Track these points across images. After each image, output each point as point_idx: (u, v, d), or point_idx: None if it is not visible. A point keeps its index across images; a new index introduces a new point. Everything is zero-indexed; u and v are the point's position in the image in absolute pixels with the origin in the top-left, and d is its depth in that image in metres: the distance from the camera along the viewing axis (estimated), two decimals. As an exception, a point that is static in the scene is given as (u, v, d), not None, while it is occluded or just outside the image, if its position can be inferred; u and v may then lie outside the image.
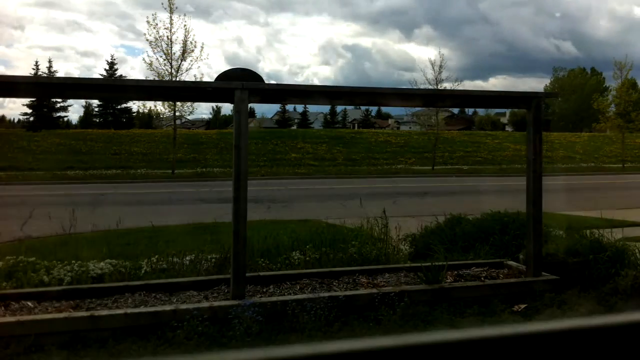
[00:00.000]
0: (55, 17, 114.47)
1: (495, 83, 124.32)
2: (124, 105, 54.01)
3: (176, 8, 25.86)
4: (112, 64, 55.11)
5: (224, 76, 6.16)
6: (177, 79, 24.51)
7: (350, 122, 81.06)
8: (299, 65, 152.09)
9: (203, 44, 35.22)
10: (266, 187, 19.52)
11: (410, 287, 5.61)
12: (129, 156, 32.76)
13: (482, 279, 6.07)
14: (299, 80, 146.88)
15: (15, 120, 65.25)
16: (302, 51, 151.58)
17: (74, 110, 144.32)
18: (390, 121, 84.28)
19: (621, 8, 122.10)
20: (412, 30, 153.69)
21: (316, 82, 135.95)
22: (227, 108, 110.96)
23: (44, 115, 48.18)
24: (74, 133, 40.70)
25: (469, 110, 78.49)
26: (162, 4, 25.79)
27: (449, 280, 5.88)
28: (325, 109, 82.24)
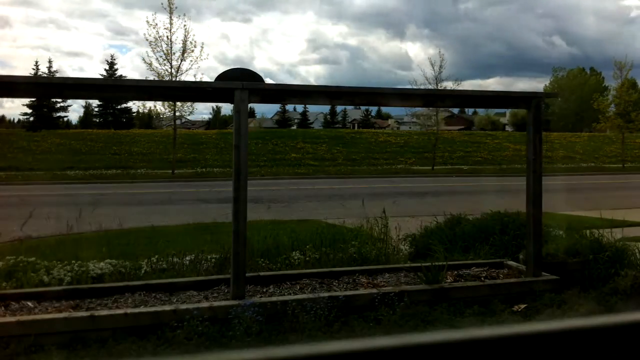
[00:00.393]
0: (34, 16, 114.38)
1: (492, 82, 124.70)
2: (124, 105, 54.01)
3: (176, 8, 25.89)
4: (112, 64, 55.15)
5: (223, 76, 6.16)
6: (177, 79, 24.51)
7: (350, 122, 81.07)
8: (285, 63, 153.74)
9: (203, 43, 35.21)
10: (266, 187, 19.52)
11: (410, 287, 5.61)
12: (129, 156, 32.77)
13: (482, 279, 6.07)
14: (287, 77, 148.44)
15: (15, 120, 65.31)
16: (289, 50, 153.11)
17: (74, 110, 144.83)
18: (390, 121, 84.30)
19: (611, 5, 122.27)
20: (399, 28, 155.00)
21: (311, 80, 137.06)
22: (227, 108, 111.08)
23: (44, 115, 48.16)
24: (74, 133, 40.71)
25: (469, 110, 78.56)
26: (162, 4, 25.79)
27: (449, 280, 5.88)
28: (325, 109, 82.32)
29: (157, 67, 25.57)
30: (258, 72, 6.36)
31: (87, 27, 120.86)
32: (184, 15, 33.44)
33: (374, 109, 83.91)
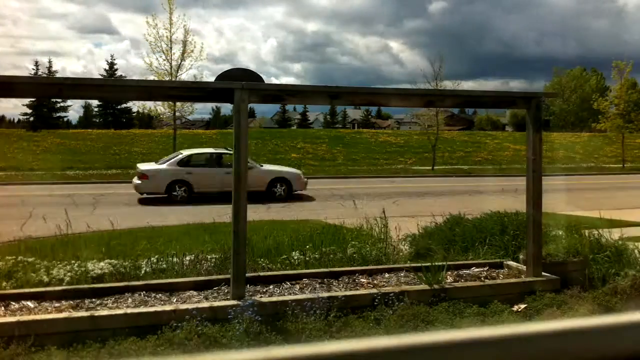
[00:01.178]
0: None
1: (478, 84, 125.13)
2: (124, 105, 54.05)
3: (175, 8, 25.85)
4: (111, 64, 55.19)
5: (223, 76, 6.16)
6: (177, 79, 24.48)
7: (350, 122, 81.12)
8: (263, 60, 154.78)
9: (202, 43, 35.33)
10: (266, 187, 19.47)
11: (410, 287, 5.61)
12: (129, 156, 32.77)
13: (482, 279, 6.07)
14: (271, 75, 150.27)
15: (15, 120, 65.31)
16: (265, 47, 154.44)
17: (74, 110, 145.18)
18: (390, 121, 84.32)
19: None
20: (373, 26, 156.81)
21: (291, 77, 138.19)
22: (227, 108, 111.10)
23: (44, 115, 48.20)
24: (74, 133, 40.72)
25: (469, 110, 78.62)
26: (161, 4, 25.77)
27: (449, 280, 5.88)
28: (325, 109, 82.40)
29: (156, 67, 25.52)
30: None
31: (53, 26, 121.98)
32: (184, 15, 33.40)
33: (374, 109, 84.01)
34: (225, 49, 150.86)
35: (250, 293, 5.38)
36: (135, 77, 57.23)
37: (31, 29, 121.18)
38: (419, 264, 6.08)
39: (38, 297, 5.14)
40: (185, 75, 25.86)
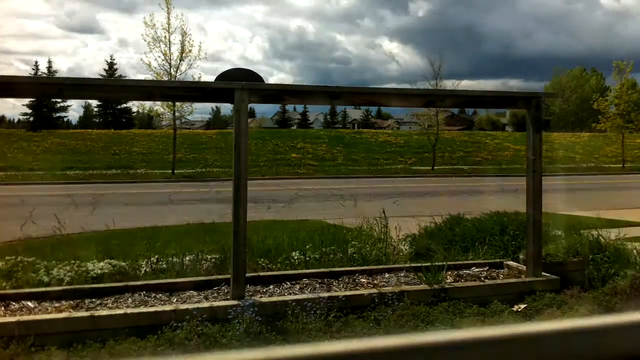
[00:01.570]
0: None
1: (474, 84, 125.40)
2: (124, 105, 54.06)
3: (173, 8, 25.85)
4: (111, 64, 55.21)
5: (223, 76, 6.16)
6: (176, 79, 24.47)
7: (350, 122, 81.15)
8: (251, 59, 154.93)
9: (201, 43, 35.37)
10: (266, 187, 19.53)
11: (410, 287, 5.61)
12: (129, 156, 32.78)
13: (482, 279, 6.07)
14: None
15: (15, 120, 65.39)
16: (251, 45, 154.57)
17: (74, 110, 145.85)
18: (390, 121, 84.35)
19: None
20: (370, 25, 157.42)
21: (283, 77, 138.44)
22: (227, 108, 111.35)
23: (44, 115, 48.22)
24: (74, 133, 40.74)
25: (469, 110, 78.63)
26: (159, 4, 25.79)
27: (449, 280, 5.88)
28: (325, 109, 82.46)
29: (155, 68, 25.52)
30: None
31: (36, 25, 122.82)
32: (182, 14, 33.37)
33: (374, 109, 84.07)
34: (213, 47, 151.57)
35: (250, 293, 5.38)
36: (123, 76, 57.12)
37: (14, 28, 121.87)
38: (419, 264, 6.08)
39: (38, 297, 5.14)
40: (183, 75, 25.87)
